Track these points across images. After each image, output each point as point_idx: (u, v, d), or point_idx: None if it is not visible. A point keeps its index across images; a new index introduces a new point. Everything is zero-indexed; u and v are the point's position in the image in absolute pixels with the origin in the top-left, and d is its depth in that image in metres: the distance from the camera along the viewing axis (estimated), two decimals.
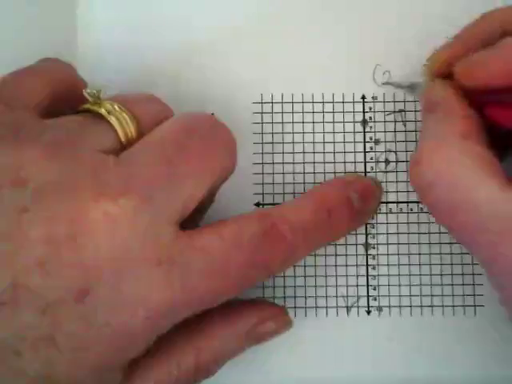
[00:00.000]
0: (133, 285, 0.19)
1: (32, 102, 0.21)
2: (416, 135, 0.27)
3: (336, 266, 0.26)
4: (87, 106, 0.22)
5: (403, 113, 0.27)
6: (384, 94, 0.27)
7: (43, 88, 0.22)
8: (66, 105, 0.23)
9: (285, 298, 0.26)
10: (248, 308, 0.24)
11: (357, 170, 0.27)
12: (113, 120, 0.21)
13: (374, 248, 0.26)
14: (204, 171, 0.21)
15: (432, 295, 0.26)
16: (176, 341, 0.22)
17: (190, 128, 0.22)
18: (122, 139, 0.21)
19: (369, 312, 0.26)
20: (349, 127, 0.27)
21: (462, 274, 0.26)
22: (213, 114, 0.26)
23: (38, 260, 0.18)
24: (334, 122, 0.27)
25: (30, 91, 0.22)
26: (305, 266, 0.26)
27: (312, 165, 0.27)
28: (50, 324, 0.18)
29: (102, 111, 0.21)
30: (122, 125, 0.21)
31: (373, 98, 0.27)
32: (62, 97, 0.23)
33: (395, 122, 0.27)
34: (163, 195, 0.20)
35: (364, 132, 0.27)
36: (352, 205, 0.24)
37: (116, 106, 0.21)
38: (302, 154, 0.27)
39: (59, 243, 0.18)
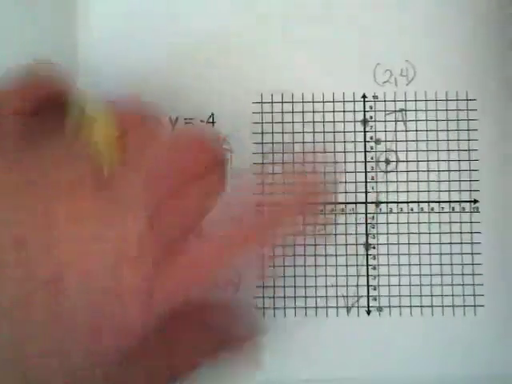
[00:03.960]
0: (110, 308, 0.19)
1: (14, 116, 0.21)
2: (417, 135, 0.27)
3: (336, 266, 0.26)
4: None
5: (404, 112, 0.27)
6: (385, 93, 0.27)
7: (26, 103, 0.22)
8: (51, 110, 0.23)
9: (285, 297, 0.26)
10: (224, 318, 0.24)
11: (357, 169, 0.27)
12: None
13: (374, 248, 0.26)
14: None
15: (432, 295, 0.26)
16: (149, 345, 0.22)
17: (184, 168, 0.21)
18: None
19: (369, 312, 0.26)
20: (349, 127, 0.27)
21: (462, 274, 0.26)
22: (223, 137, 0.26)
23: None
24: (334, 122, 0.27)
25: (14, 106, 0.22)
26: (305, 266, 0.26)
27: (312, 165, 0.27)
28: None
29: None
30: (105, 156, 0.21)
31: (373, 97, 0.27)
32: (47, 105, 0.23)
33: (396, 121, 0.27)
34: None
35: (364, 131, 0.27)
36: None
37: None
38: (302, 154, 0.27)
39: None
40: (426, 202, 0.26)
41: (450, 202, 0.26)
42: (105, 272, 0.19)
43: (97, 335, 0.19)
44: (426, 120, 0.27)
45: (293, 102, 0.27)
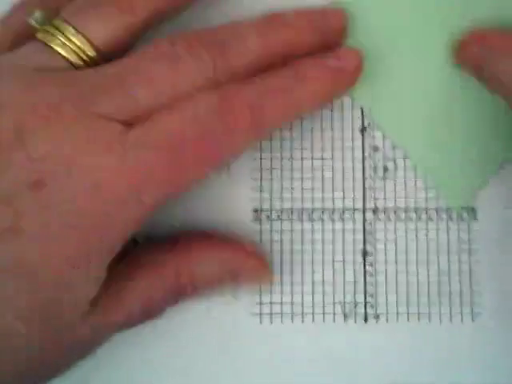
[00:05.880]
0: (86, 172, 0.19)
1: None
2: None
3: (333, 272, 0.26)
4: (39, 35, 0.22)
5: None
6: None
7: None
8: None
9: (282, 303, 0.26)
10: (233, 246, 0.24)
11: (355, 176, 0.26)
12: (55, 44, 0.22)
13: (371, 255, 0.26)
14: None
15: (429, 302, 0.26)
16: (158, 258, 0.23)
17: None
18: (71, 59, 0.22)
19: (366, 319, 0.26)
20: (347, 134, 0.27)
21: (460, 282, 0.26)
22: None
23: None
24: (332, 129, 0.27)
25: None
26: (302, 273, 0.26)
27: (310, 171, 0.27)
28: (14, 214, 0.19)
29: (39, 36, 0.22)
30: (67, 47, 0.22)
31: None
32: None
33: None
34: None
35: (363, 139, 0.27)
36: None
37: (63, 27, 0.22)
38: (300, 161, 0.27)
39: (7, 144, 0.19)
40: (423, 208, 0.26)
41: (447, 208, 0.26)
42: None
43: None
44: None
45: None
